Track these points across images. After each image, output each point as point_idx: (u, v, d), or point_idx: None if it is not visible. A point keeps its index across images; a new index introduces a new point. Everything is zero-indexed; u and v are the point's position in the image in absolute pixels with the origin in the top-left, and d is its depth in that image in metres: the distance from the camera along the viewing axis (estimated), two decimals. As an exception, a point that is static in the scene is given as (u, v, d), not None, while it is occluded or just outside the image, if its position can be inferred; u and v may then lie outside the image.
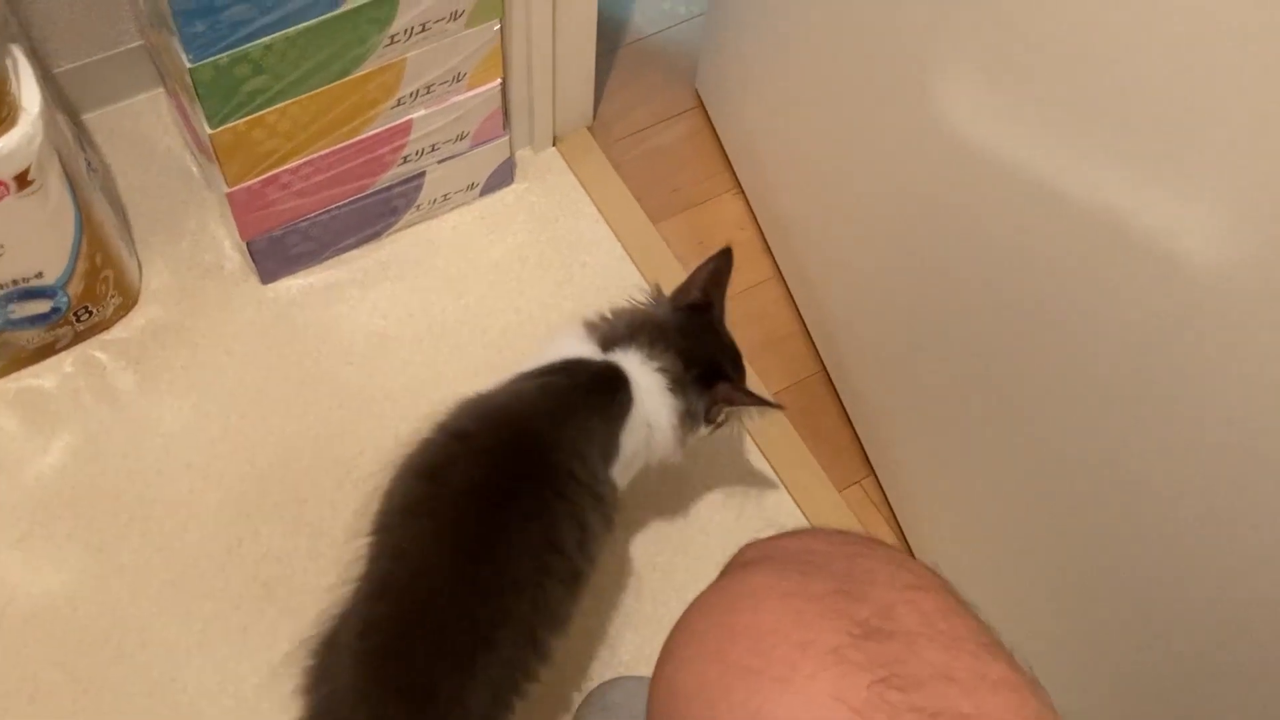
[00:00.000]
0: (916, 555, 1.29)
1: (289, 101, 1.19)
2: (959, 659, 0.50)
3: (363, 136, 1.28)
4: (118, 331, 1.36)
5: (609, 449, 1.01)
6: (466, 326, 1.40)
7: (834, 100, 1.23)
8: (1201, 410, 0.78)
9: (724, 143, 1.60)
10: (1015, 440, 1.04)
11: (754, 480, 1.34)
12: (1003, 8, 0.87)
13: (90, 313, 1.31)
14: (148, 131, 1.50)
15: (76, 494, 1.26)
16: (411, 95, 1.28)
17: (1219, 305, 0.73)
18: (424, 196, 1.42)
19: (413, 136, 1.32)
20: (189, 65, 1.09)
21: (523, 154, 1.54)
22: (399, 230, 1.45)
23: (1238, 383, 0.74)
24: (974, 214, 0.99)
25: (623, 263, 1.47)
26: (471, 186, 1.47)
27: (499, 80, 1.34)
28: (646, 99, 1.65)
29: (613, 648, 1.22)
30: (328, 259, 1.42)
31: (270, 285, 1.40)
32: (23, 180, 1.10)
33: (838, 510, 1.33)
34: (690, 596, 0.57)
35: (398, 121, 1.29)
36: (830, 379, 1.42)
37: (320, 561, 1.23)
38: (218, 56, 1.10)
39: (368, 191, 1.36)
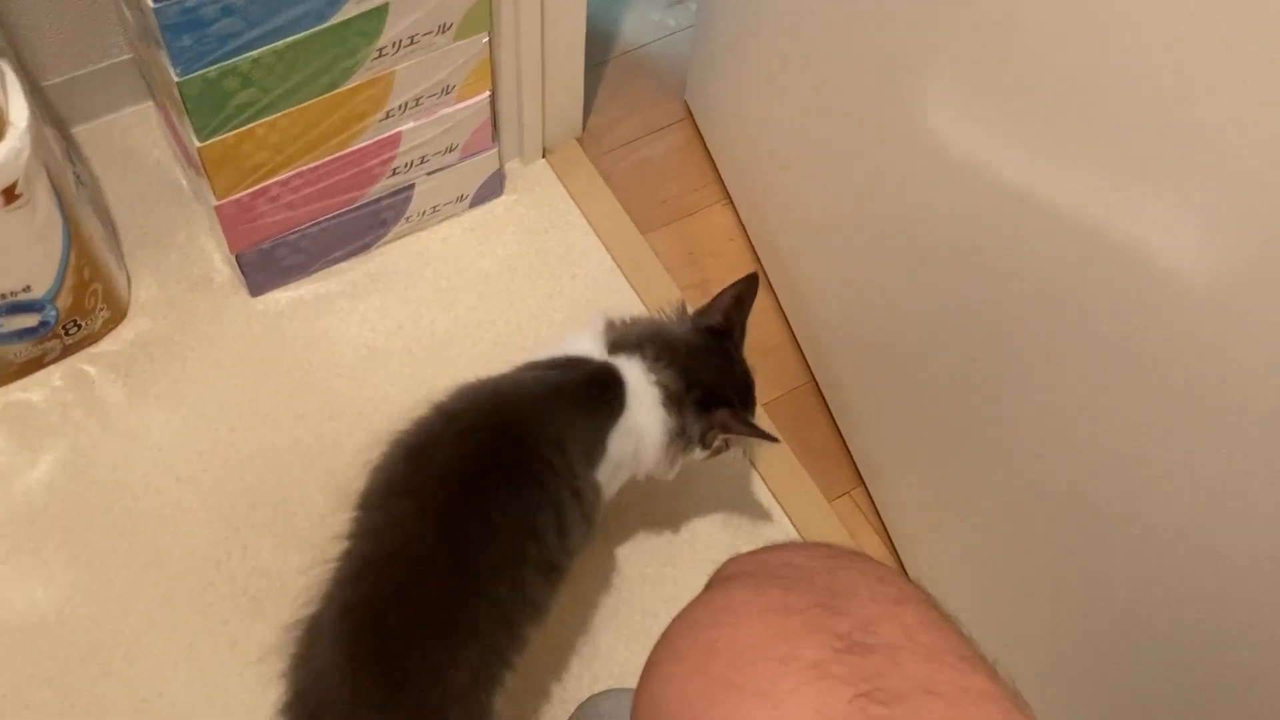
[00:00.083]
0: (906, 566, 1.29)
1: (278, 114, 1.19)
2: (941, 672, 0.50)
3: (351, 149, 1.28)
4: (106, 345, 1.36)
5: (593, 448, 1.01)
6: (456, 338, 1.40)
7: (822, 112, 1.23)
8: (1184, 417, 0.78)
9: (713, 154, 1.60)
10: (1004, 451, 1.04)
11: (744, 492, 1.34)
12: (988, 23, 0.87)
13: (79, 326, 1.30)
14: (137, 145, 1.50)
15: (65, 508, 1.25)
16: (400, 108, 1.28)
17: (1202, 316, 0.74)
18: (413, 208, 1.42)
19: (402, 149, 1.32)
20: (177, 79, 1.09)
21: (512, 166, 1.54)
22: (388, 242, 1.46)
23: (1221, 390, 0.74)
24: (961, 225, 0.99)
25: (612, 274, 1.48)
26: (461, 198, 1.47)
27: (488, 92, 1.34)
28: (636, 111, 1.65)
29: (603, 660, 1.22)
30: (317, 271, 1.42)
31: (260, 298, 1.40)
32: (10, 194, 1.10)
33: (827, 521, 1.33)
34: (680, 608, 0.57)
35: (386, 134, 1.30)
36: (820, 390, 1.42)
37: (310, 575, 1.22)
38: (206, 70, 1.10)
39: (357, 204, 1.36)
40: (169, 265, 1.42)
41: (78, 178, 1.34)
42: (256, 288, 1.40)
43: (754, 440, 1.09)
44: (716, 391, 1.07)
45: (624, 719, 1.09)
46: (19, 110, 1.12)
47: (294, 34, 1.12)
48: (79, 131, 1.49)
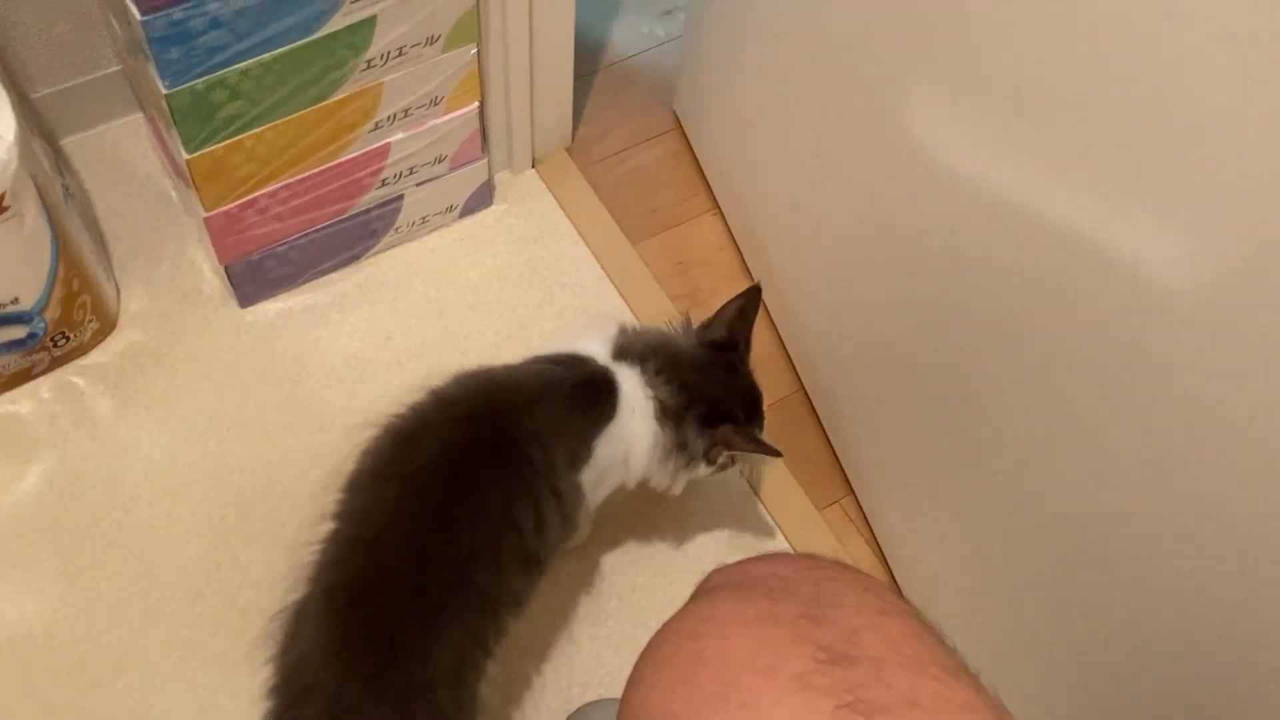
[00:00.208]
0: (895, 575, 1.30)
1: (266, 126, 1.19)
2: (924, 683, 0.50)
3: (340, 160, 1.29)
4: (95, 356, 1.36)
5: (579, 450, 1.01)
6: (446, 348, 1.40)
7: (811, 122, 1.23)
8: (1172, 427, 0.78)
9: (702, 164, 1.61)
10: (993, 460, 1.04)
11: (734, 501, 1.34)
12: (975, 33, 0.88)
13: (67, 338, 1.30)
14: (126, 156, 1.50)
15: (53, 520, 1.25)
16: (389, 119, 1.28)
17: (1188, 327, 0.74)
18: (402, 219, 1.42)
19: (390, 160, 1.33)
20: (165, 91, 1.10)
21: (501, 176, 1.54)
22: (378, 253, 1.46)
23: (1208, 398, 0.74)
24: (949, 235, 1.00)
25: (602, 283, 1.48)
26: (450, 209, 1.47)
27: (476, 103, 1.35)
28: (625, 121, 1.66)
29: (593, 669, 1.22)
30: (306, 282, 1.42)
31: (249, 309, 1.40)
32: (-2, 207, 1.10)
33: (817, 530, 1.33)
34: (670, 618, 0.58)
35: (375, 145, 1.30)
36: (809, 398, 1.43)
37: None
38: (194, 82, 1.10)
39: (346, 215, 1.36)
40: (158, 277, 1.42)
41: (66, 189, 1.34)
42: (246, 299, 1.40)
43: (758, 457, 1.09)
44: (721, 407, 1.07)
45: (614, 729, 1.09)
46: (6, 122, 1.12)
47: (282, 46, 1.12)
48: (68, 143, 1.49)
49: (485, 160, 1.44)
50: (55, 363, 1.33)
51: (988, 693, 0.52)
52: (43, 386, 1.33)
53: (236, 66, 1.11)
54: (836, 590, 0.55)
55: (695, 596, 0.60)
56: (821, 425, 1.41)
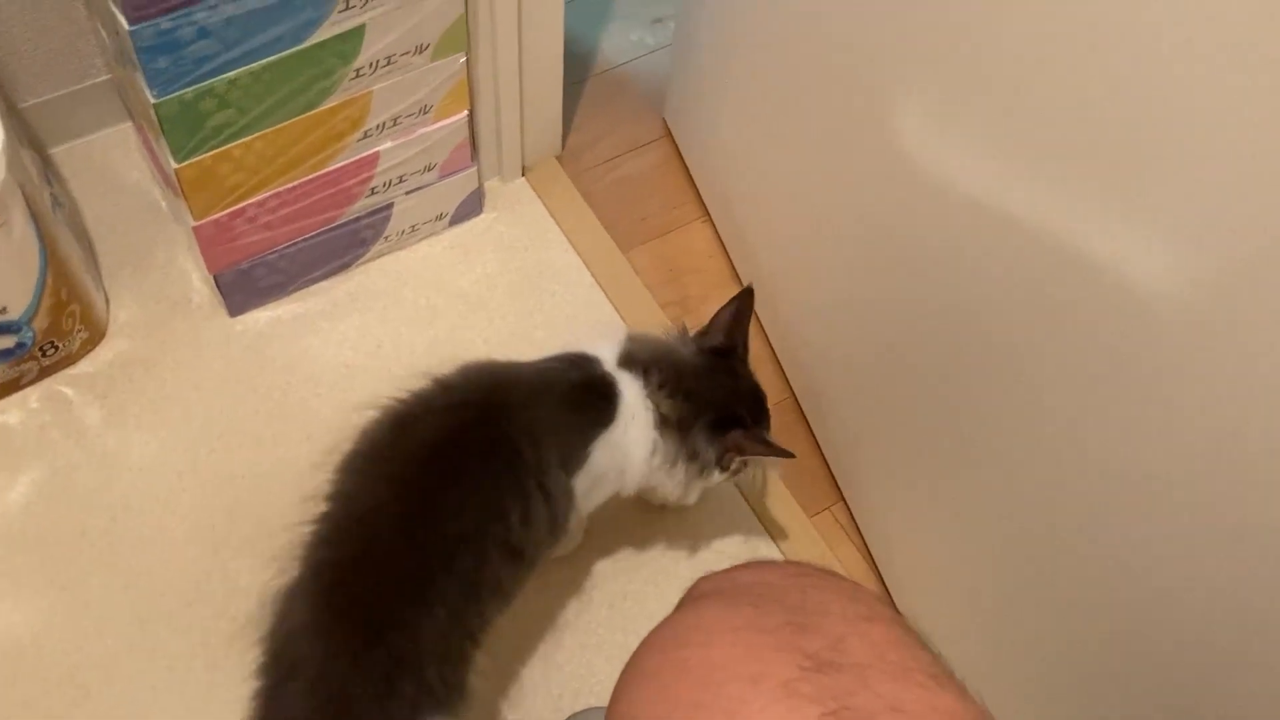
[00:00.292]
0: (885, 581, 1.30)
1: (255, 135, 1.19)
2: (909, 690, 0.50)
3: (329, 169, 1.29)
4: (84, 366, 1.35)
5: (573, 451, 1.02)
6: (436, 357, 1.37)
7: (799, 129, 1.24)
8: (1162, 433, 0.79)
9: (692, 172, 1.61)
10: (983, 466, 1.05)
11: (724, 507, 1.34)
12: (963, 38, 0.88)
13: (56, 348, 1.30)
14: (115, 165, 1.49)
15: (42, 530, 1.25)
16: (378, 128, 1.28)
17: (1181, 333, 0.74)
18: (392, 228, 1.42)
19: (380, 168, 1.33)
20: (153, 100, 1.10)
21: (491, 184, 1.54)
22: (368, 261, 1.46)
23: (1196, 404, 0.75)
24: (939, 242, 1.00)
25: (592, 291, 1.48)
26: (440, 217, 1.47)
27: (465, 112, 1.35)
28: (615, 129, 1.66)
29: (583, 677, 1.21)
30: (296, 291, 1.42)
31: (238, 318, 1.40)
32: (-15, 217, 1.10)
33: (808, 536, 1.33)
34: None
35: (365, 154, 1.30)
36: (799, 405, 1.43)
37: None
38: (182, 91, 1.10)
39: (335, 223, 1.36)
40: (148, 286, 1.41)
41: (55, 199, 1.33)
42: (235, 308, 1.39)
43: (770, 459, 1.10)
44: (728, 413, 1.07)
45: (603, 738, 1.09)
46: (-6, 132, 1.12)
47: (270, 55, 1.12)
48: (57, 152, 1.49)
49: (475, 168, 1.44)
50: (44, 372, 1.33)
51: (973, 699, 0.52)
52: (31, 396, 1.33)
53: (225, 75, 1.12)
54: (822, 598, 0.55)
55: (682, 605, 0.60)
56: (812, 431, 1.41)
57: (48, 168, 1.45)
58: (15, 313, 1.21)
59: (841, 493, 1.37)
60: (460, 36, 1.25)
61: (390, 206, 1.39)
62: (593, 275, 1.49)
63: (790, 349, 1.43)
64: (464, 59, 1.28)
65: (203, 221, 1.24)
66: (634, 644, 1.21)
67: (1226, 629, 0.78)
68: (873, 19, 1.01)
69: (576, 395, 1.03)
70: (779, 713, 0.48)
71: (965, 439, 1.06)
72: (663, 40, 1.76)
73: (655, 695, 0.52)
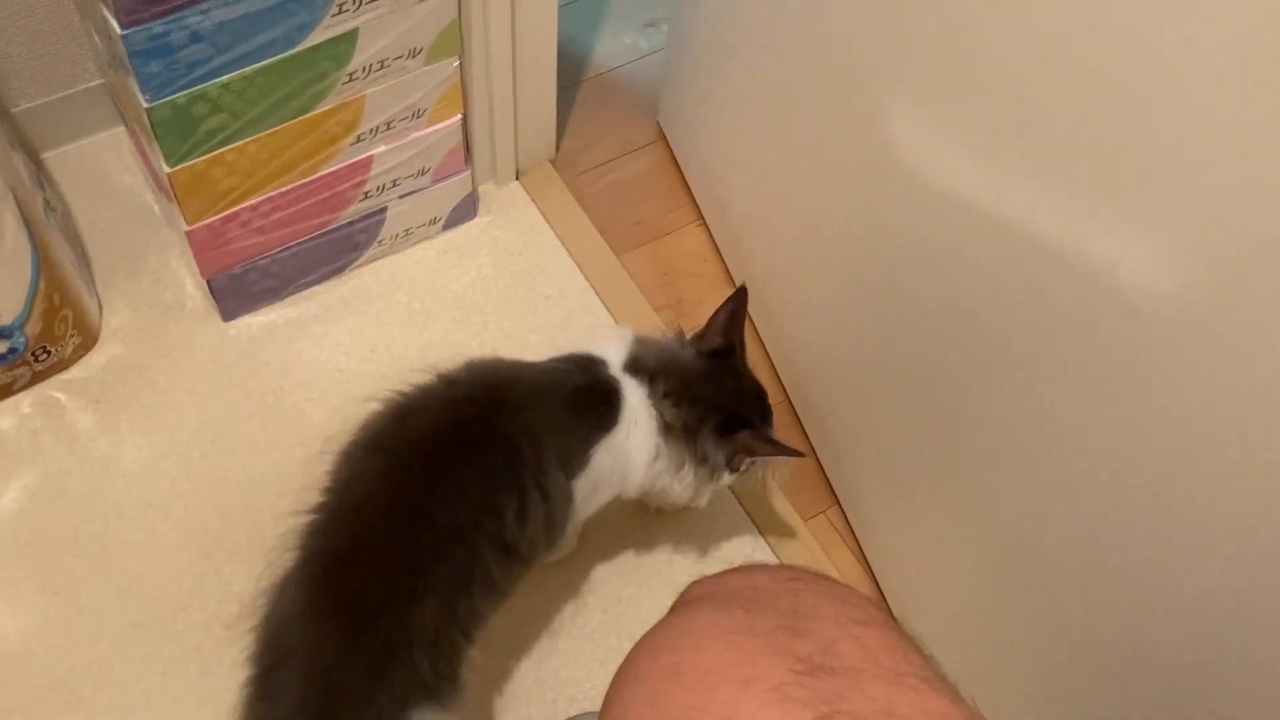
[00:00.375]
0: (880, 585, 1.29)
1: (248, 139, 1.19)
2: (901, 694, 0.50)
3: (323, 173, 1.28)
4: (77, 371, 1.35)
5: (574, 453, 1.02)
6: (430, 361, 1.38)
7: (794, 133, 1.24)
8: (1157, 435, 0.79)
9: (686, 175, 1.61)
10: (977, 469, 1.04)
11: (718, 511, 1.34)
12: (955, 42, 0.88)
13: (48, 352, 1.30)
14: (108, 170, 1.49)
15: (34, 536, 1.24)
16: (371, 132, 1.28)
17: (1175, 335, 0.74)
18: (386, 232, 1.42)
19: (373, 172, 1.32)
20: (146, 105, 1.09)
21: (485, 188, 1.54)
22: (361, 265, 1.45)
23: (1187, 407, 0.75)
24: (933, 245, 1.00)
25: (587, 295, 1.48)
26: (434, 221, 1.47)
27: (459, 116, 1.35)
28: (609, 133, 1.66)
29: (578, 682, 1.21)
30: (289, 295, 1.42)
31: (232, 323, 1.40)
32: (-23, 221, 1.10)
33: (803, 540, 1.33)
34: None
35: (358, 158, 1.30)
36: (794, 409, 1.43)
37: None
38: (175, 95, 1.10)
39: (329, 228, 1.36)
40: (141, 291, 1.41)
41: (47, 204, 1.33)
42: (229, 312, 1.39)
43: (779, 459, 1.10)
44: (735, 415, 1.08)
45: (597, 743, 1.09)
46: (-14, 137, 1.12)
47: (263, 59, 1.12)
48: (50, 157, 1.49)
49: (469, 172, 1.44)
50: (36, 377, 1.32)
51: (966, 703, 0.52)
52: (23, 401, 1.32)
53: (218, 80, 1.11)
54: (814, 601, 0.55)
55: (674, 609, 0.60)
56: (806, 435, 1.41)
57: (40, 172, 1.44)
58: (7, 318, 1.21)
59: (837, 496, 1.37)
60: (454, 40, 1.25)
61: (384, 211, 1.39)
62: (587, 279, 1.49)
63: (785, 352, 1.43)
64: (457, 63, 1.28)
65: (196, 226, 1.24)
66: (628, 649, 1.21)
67: (1224, 631, 0.78)
68: (867, 22, 1.01)
69: (580, 398, 1.03)
70: (771, 716, 0.48)
71: (961, 442, 1.06)
72: (656, 44, 1.76)
73: (647, 699, 0.52)
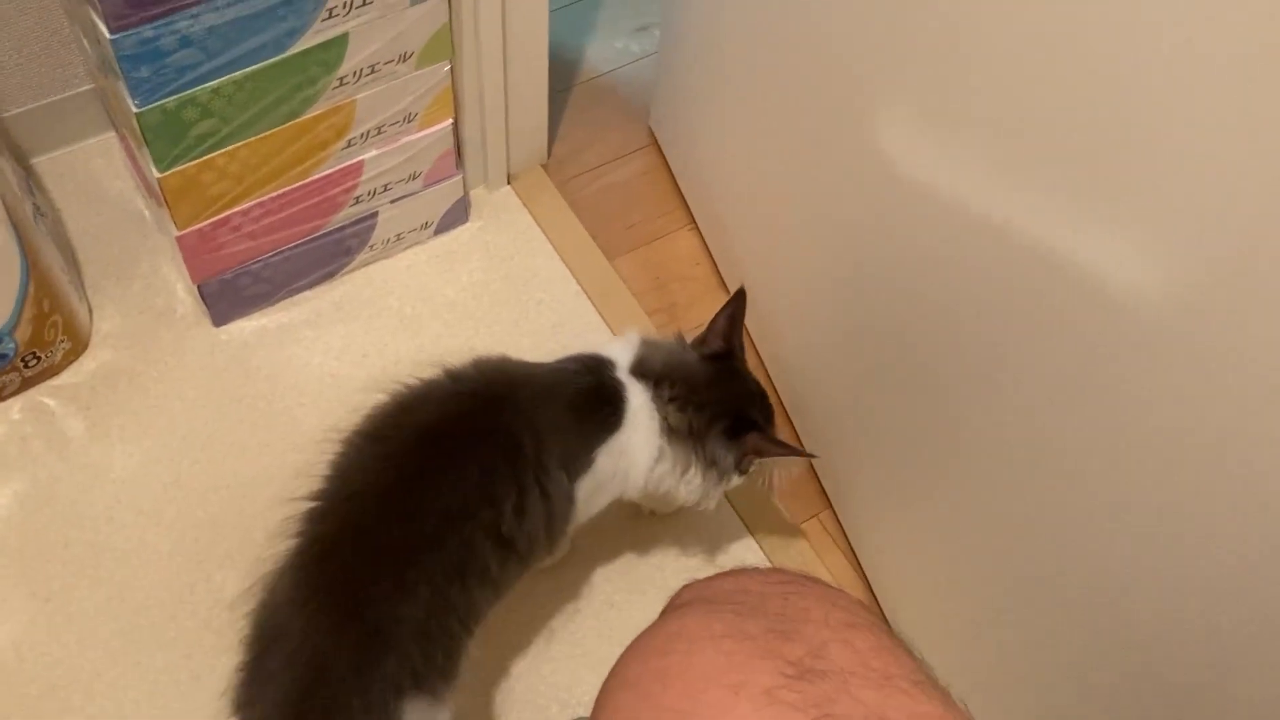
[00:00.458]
0: (873, 588, 1.29)
1: (238, 144, 1.19)
2: (892, 697, 0.50)
3: (314, 178, 1.28)
4: (67, 377, 1.34)
5: (576, 455, 1.02)
6: (421, 366, 1.39)
7: (786, 137, 1.24)
8: (1143, 438, 0.79)
9: (678, 179, 1.61)
10: (968, 472, 1.04)
11: (712, 516, 1.33)
12: (944, 44, 0.88)
13: (38, 358, 1.29)
14: (99, 175, 1.49)
15: (24, 542, 1.24)
16: (362, 136, 1.28)
17: (1160, 337, 0.74)
18: (377, 236, 1.42)
19: (364, 177, 1.32)
20: (136, 110, 1.09)
21: (477, 193, 1.54)
22: (353, 270, 1.45)
23: (1172, 408, 0.75)
24: (926, 248, 1.00)
25: (579, 299, 1.48)
26: (425, 226, 1.47)
27: (450, 120, 1.35)
28: (600, 137, 1.66)
29: (570, 687, 1.21)
30: (281, 300, 1.42)
31: (223, 328, 1.40)
32: (-34, 227, 1.10)
33: (795, 544, 1.33)
34: (646, 635, 0.57)
35: (349, 162, 1.30)
36: (786, 412, 1.42)
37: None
38: (165, 100, 1.10)
39: (320, 232, 1.36)
40: (131, 296, 1.41)
41: (37, 209, 1.33)
42: (220, 318, 1.39)
43: (786, 460, 1.11)
44: (742, 417, 1.09)
45: (590, 748, 1.09)
46: (-25, 142, 1.11)
47: (253, 64, 1.12)
48: (40, 162, 1.48)
49: (460, 177, 1.44)
50: (26, 384, 1.32)
51: (957, 706, 0.51)
52: (13, 408, 1.32)
53: (208, 84, 1.11)
54: (804, 604, 0.55)
55: (664, 613, 0.60)
56: (799, 438, 1.41)
57: (30, 178, 1.44)
58: (-3, 323, 1.20)
59: (829, 500, 1.37)
60: (444, 45, 1.25)
61: (375, 215, 1.39)
62: (579, 283, 1.49)
63: (776, 356, 1.43)
64: (448, 67, 1.28)
65: (186, 231, 1.24)
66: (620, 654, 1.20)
67: (1218, 634, 0.78)
68: (858, 27, 1.01)
69: (585, 400, 1.04)
70: (761, 720, 0.48)
71: (953, 445, 1.06)
72: (648, 48, 1.76)
73: (637, 703, 0.51)
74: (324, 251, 1.39)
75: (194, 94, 1.11)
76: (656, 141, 1.66)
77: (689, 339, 1.14)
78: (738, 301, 1.13)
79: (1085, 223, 0.78)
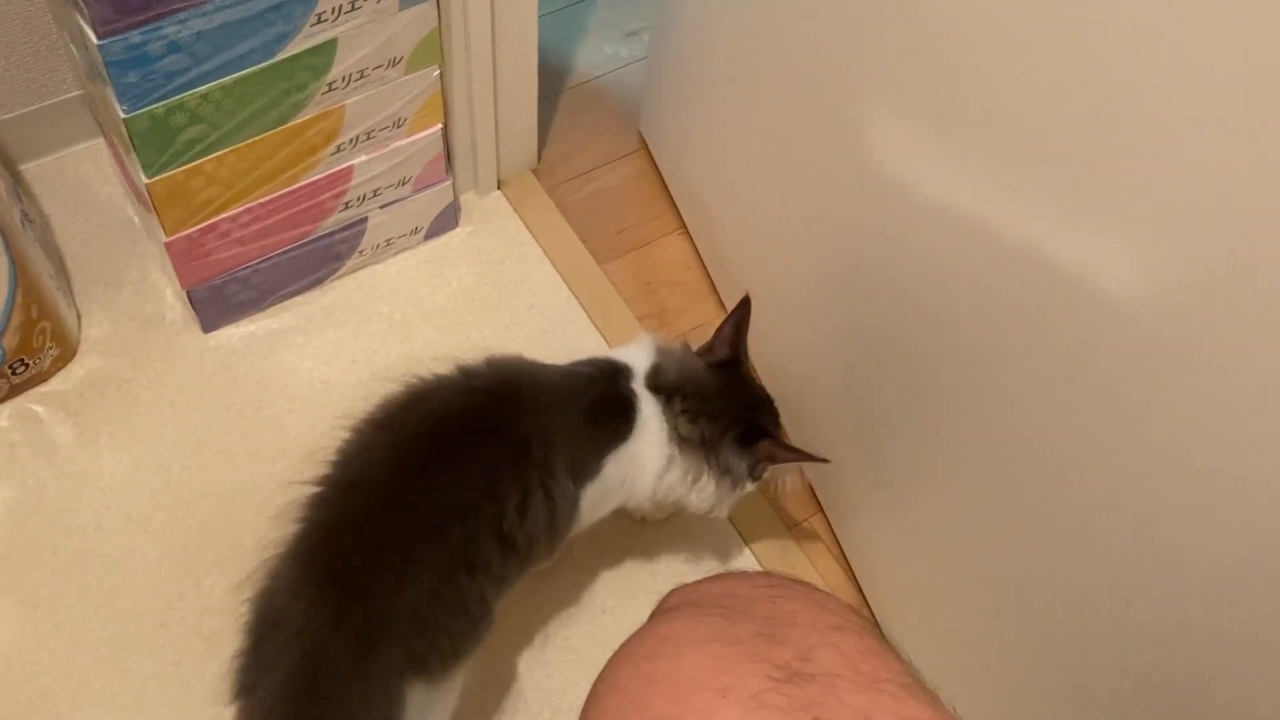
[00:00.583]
0: (864, 592, 1.29)
1: (227, 150, 1.18)
2: (880, 701, 0.50)
3: (303, 183, 1.28)
4: (56, 384, 1.34)
5: (584, 461, 1.02)
6: (412, 372, 1.39)
7: (775, 141, 1.24)
8: (1136, 442, 0.79)
9: (668, 184, 1.61)
10: (958, 475, 1.04)
11: (704, 521, 1.33)
12: (940, 54, 0.88)
13: (26, 365, 1.29)
14: (87, 181, 1.48)
15: (12, 549, 1.23)
16: (351, 141, 1.28)
17: (1152, 343, 0.74)
18: (367, 242, 1.42)
19: (354, 182, 1.32)
20: (124, 115, 1.09)
21: (467, 198, 1.54)
22: (342, 276, 1.45)
23: (1166, 410, 0.75)
24: (914, 252, 1.00)
25: (569, 304, 1.48)
26: (415, 231, 1.47)
27: (440, 125, 1.34)
28: (591, 142, 1.66)
29: (563, 692, 1.21)
30: (270, 306, 1.41)
31: (212, 334, 1.39)
32: (-47, 233, 1.09)
33: (786, 548, 1.33)
34: (635, 641, 0.57)
35: (338, 168, 1.29)
36: (777, 417, 1.42)
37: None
38: (153, 106, 1.10)
39: (310, 238, 1.35)
40: (120, 302, 1.40)
41: (25, 215, 1.32)
42: (209, 324, 1.38)
43: (798, 465, 1.11)
44: (754, 424, 1.09)
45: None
46: (-38, 148, 1.11)
47: (242, 69, 1.12)
48: (28, 169, 1.48)
49: (450, 182, 1.44)
50: (14, 390, 1.31)
51: (945, 709, 0.51)
52: (1, 415, 1.31)
53: (196, 90, 1.11)
54: (792, 608, 0.55)
55: (653, 617, 0.60)
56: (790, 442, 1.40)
57: (18, 184, 1.43)
58: (-16, 330, 1.20)
59: (820, 504, 1.37)
60: (434, 50, 1.25)
61: (364, 221, 1.39)
62: (569, 288, 1.49)
63: (766, 359, 1.43)
64: (438, 72, 1.28)
65: (175, 237, 1.23)
66: (612, 658, 1.19)
67: (1210, 640, 0.78)
68: (847, 30, 1.01)
69: (596, 408, 1.04)
70: (749, 724, 0.48)
71: (944, 450, 1.06)
72: (637, 53, 1.76)
73: (625, 707, 0.51)
74: (314, 257, 1.38)
75: (182, 99, 1.11)
76: (646, 146, 1.66)
77: (688, 339, 1.14)
78: (743, 309, 1.13)
79: (1079, 225, 0.78)
